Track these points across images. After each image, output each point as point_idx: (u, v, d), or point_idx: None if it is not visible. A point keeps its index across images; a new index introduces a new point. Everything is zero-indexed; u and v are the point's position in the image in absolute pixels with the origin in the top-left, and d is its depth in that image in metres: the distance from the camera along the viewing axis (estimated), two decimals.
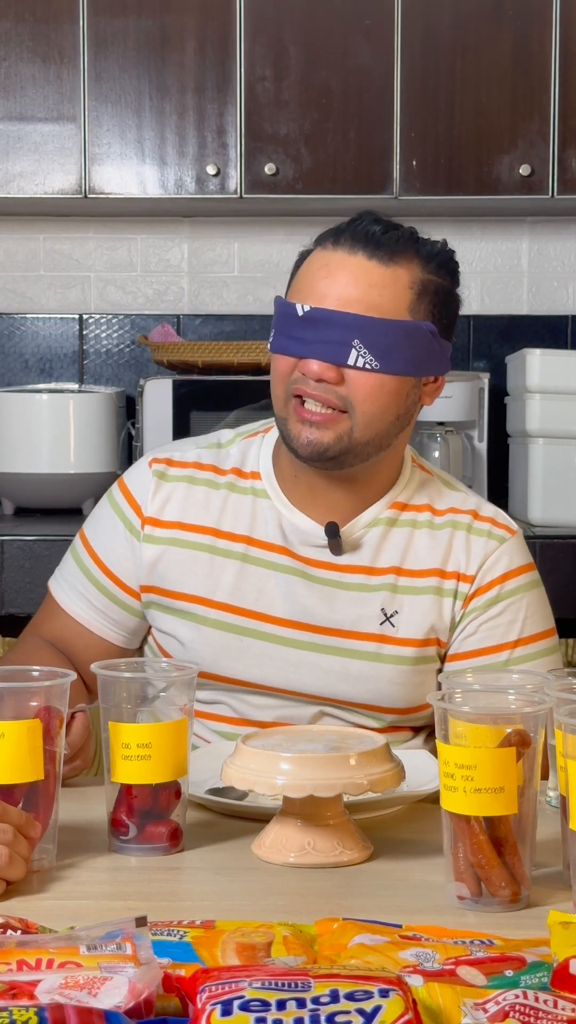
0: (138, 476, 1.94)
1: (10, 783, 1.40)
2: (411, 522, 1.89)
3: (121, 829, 1.49)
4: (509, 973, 1.05)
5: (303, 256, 1.86)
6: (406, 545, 1.88)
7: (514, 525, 1.93)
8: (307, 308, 1.77)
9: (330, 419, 1.78)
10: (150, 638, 1.95)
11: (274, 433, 1.92)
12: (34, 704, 1.43)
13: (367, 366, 1.76)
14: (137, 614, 1.93)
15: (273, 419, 1.90)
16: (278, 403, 1.83)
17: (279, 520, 1.88)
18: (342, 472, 1.84)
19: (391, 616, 1.85)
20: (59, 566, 1.99)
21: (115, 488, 1.96)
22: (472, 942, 1.13)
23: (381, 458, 1.85)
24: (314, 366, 1.77)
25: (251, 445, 1.94)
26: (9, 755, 1.40)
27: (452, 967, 1.06)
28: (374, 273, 1.78)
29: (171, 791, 1.49)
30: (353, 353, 1.76)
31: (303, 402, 1.79)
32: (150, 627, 1.94)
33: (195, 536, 1.88)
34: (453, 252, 1.86)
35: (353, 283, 1.77)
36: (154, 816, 1.49)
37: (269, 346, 1.84)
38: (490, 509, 1.94)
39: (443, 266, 1.83)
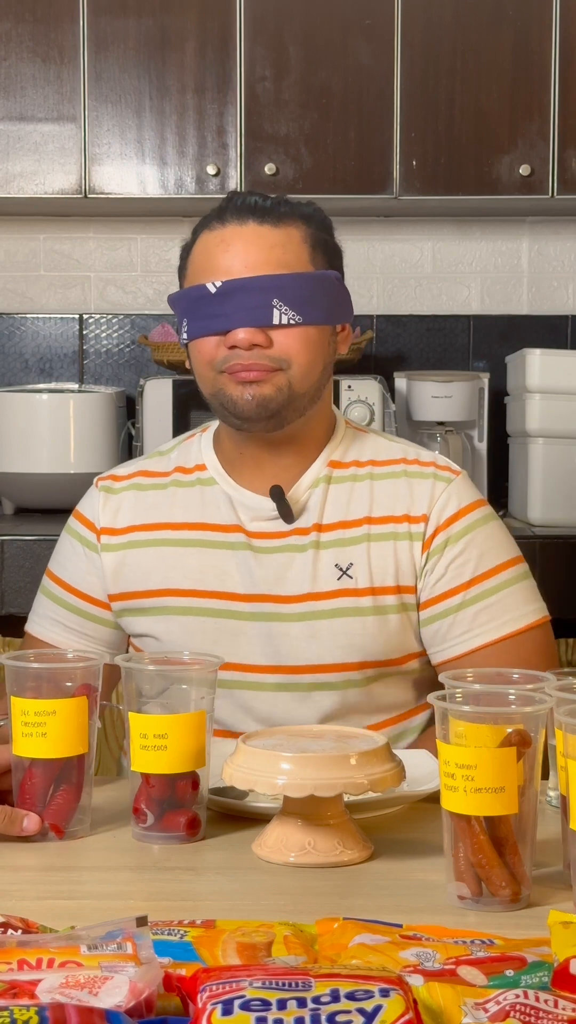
0: (88, 498, 2.01)
1: (61, 757, 1.52)
2: (351, 476, 1.93)
3: (140, 817, 1.53)
4: (510, 973, 1.05)
5: (187, 248, 1.91)
6: (347, 499, 1.91)
7: (457, 467, 1.96)
8: (219, 283, 1.82)
9: (267, 375, 1.82)
10: (129, 648, 1.97)
11: (211, 430, 1.98)
12: (69, 684, 1.54)
13: (291, 321, 1.82)
14: (111, 624, 1.96)
15: (207, 424, 1.99)
16: (208, 385, 1.87)
17: (230, 501, 1.92)
18: (282, 433, 1.88)
19: (347, 569, 1.88)
20: (31, 609, 2.03)
21: (70, 519, 2.02)
22: (473, 942, 1.13)
23: (313, 413, 1.90)
24: (241, 334, 1.81)
25: (191, 445, 1.99)
26: (60, 730, 1.51)
27: (453, 967, 1.06)
28: (271, 235, 1.84)
29: (189, 781, 1.52)
30: (276, 312, 1.81)
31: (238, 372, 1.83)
32: (129, 637, 1.96)
33: (151, 534, 1.93)
34: (322, 209, 1.93)
35: (255, 248, 1.83)
36: (173, 805, 1.52)
37: (184, 337, 1.87)
38: (429, 455, 1.97)
39: (321, 222, 1.91)
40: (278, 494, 1.88)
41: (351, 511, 1.90)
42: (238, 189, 3.51)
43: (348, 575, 1.88)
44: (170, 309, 1.98)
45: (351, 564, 1.88)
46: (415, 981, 1.02)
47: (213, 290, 1.81)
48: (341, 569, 1.88)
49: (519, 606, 1.90)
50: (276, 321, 1.81)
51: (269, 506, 1.89)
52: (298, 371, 1.83)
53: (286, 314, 1.81)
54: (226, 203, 1.87)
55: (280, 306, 1.81)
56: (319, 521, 1.90)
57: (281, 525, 1.89)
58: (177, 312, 1.88)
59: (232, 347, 1.82)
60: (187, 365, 1.93)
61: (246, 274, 1.81)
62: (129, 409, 3.76)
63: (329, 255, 1.89)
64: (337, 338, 1.91)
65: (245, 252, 1.82)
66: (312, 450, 1.92)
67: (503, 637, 1.89)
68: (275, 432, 1.87)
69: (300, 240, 1.85)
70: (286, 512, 1.88)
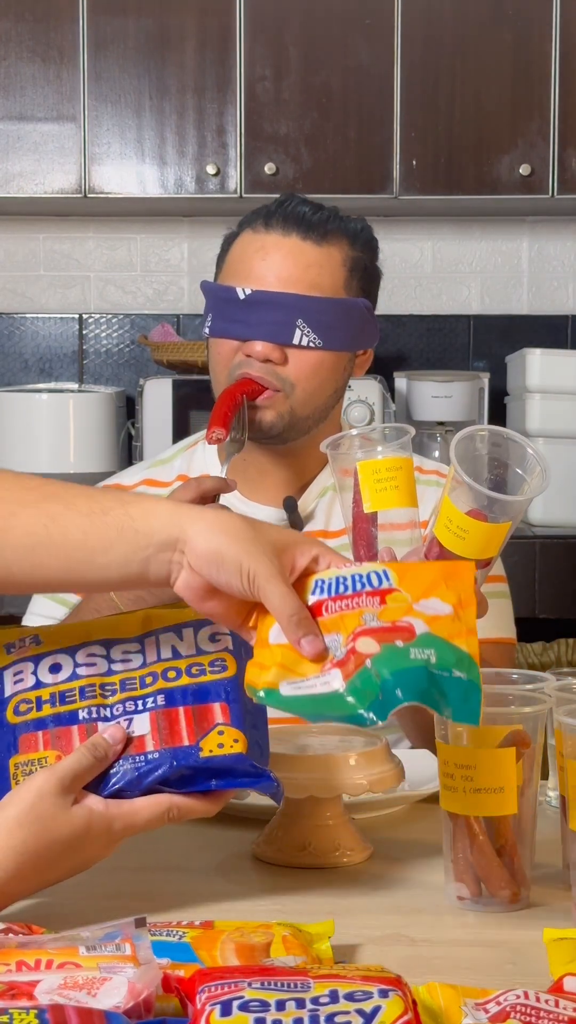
0: None
1: None
2: None
3: None
4: (399, 644, 1.18)
5: (229, 240, 1.90)
6: None
7: None
8: (248, 291, 1.82)
9: (268, 398, 1.83)
10: None
11: None
12: None
13: (311, 344, 1.82)
14: None
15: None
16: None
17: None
18: (286, 447, 1.89)
19: None
20: (28, 611, 2.00)
21: None
22: (365, 580, 1.23)
23: (320, 429, 1.89)
24: (259, 347, 1.82)
25: (194, 453, 1.99)
26: None
27: (352, 645, 1.19)
28: (310, 253, 1.83)
29: None
30: (297, 332, 1.81)
31: None
32: None
33: None
34: (372, 228, 1.93)
35: (292, 263, 1.82)
36: None
37: (207, 331, 1.88)
38: (431, 463, 1.99)
39: (367, 244, 1.90)
40: (292, 506, 1.88)
41: None
42: (239, 189, 3.52)
43: None
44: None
45: None
46: (334, 682, 1.18)
47: (242, 296, 1.82)
48: None
49: (509, 618, 1.95)
50: (296, 341, 1.81)
51: (276, 516, 1.90)
52: (301, 396, 1.84)
53: (307, 336, 1.81)
54: (277, 206, 1.87)
55: (303, 327, 1.81)
56: (325, 528, 1.91)
57: None
58: (206, 302, 1.89)
59: (248, 355, 1.83)
60: (204, 356, 1.93)
61: (277, 288, 1.82)
62: (129, 409, 3.76)
63: (365, 281, 1.89)
64: (355, 362, 1.92)
65: (281, 265, 1.82)
66: (317, 461, 1.92)
67: (497, 640, 1.90)
68: (278, 447, 1.89)
69: (339, 263, 1.85)
70: (297, 523, 1.89)
